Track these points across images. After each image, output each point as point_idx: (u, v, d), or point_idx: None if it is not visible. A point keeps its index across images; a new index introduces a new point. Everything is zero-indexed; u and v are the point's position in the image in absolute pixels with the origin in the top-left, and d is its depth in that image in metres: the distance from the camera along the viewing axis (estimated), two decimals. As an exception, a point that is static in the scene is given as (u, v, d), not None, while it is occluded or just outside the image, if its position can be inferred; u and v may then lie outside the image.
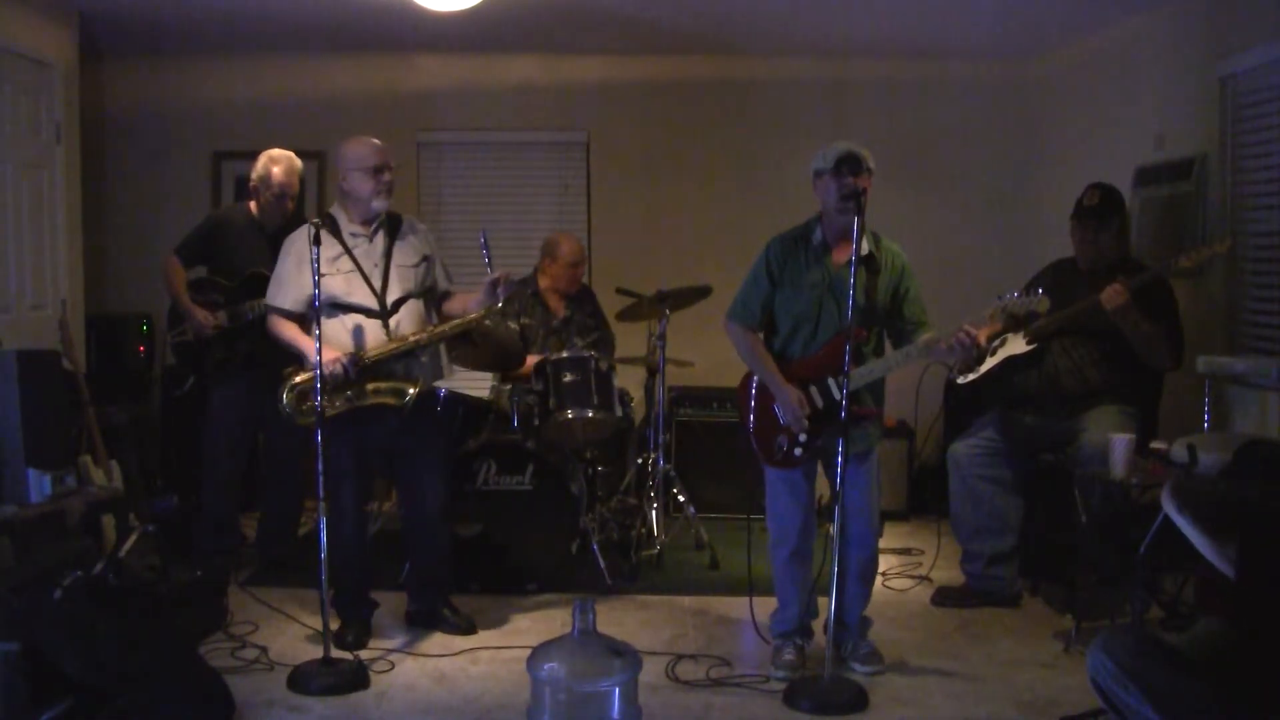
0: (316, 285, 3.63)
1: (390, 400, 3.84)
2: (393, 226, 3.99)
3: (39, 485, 3.93)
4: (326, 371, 3.69)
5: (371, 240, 3.94)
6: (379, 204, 3.91)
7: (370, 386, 3.83)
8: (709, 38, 6.00)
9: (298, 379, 3.84)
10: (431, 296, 4.09)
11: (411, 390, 3.83)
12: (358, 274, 3.89)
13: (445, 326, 3.96)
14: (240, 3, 5.35)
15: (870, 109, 6.38)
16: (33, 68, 5.05)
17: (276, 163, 4.62)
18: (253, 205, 4.71)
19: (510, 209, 6.45)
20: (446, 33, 5.76)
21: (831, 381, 3.61)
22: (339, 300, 3.87)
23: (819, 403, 3.64)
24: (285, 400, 3.83)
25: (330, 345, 3.78)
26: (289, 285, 3.91)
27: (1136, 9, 5.09)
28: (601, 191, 6.49)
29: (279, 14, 5.52)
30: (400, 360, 3.88)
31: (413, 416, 3.88)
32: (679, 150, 6.46)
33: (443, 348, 4.09)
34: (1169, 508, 2.71)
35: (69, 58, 5.35)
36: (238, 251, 4.66)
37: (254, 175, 4.66)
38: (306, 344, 3.80)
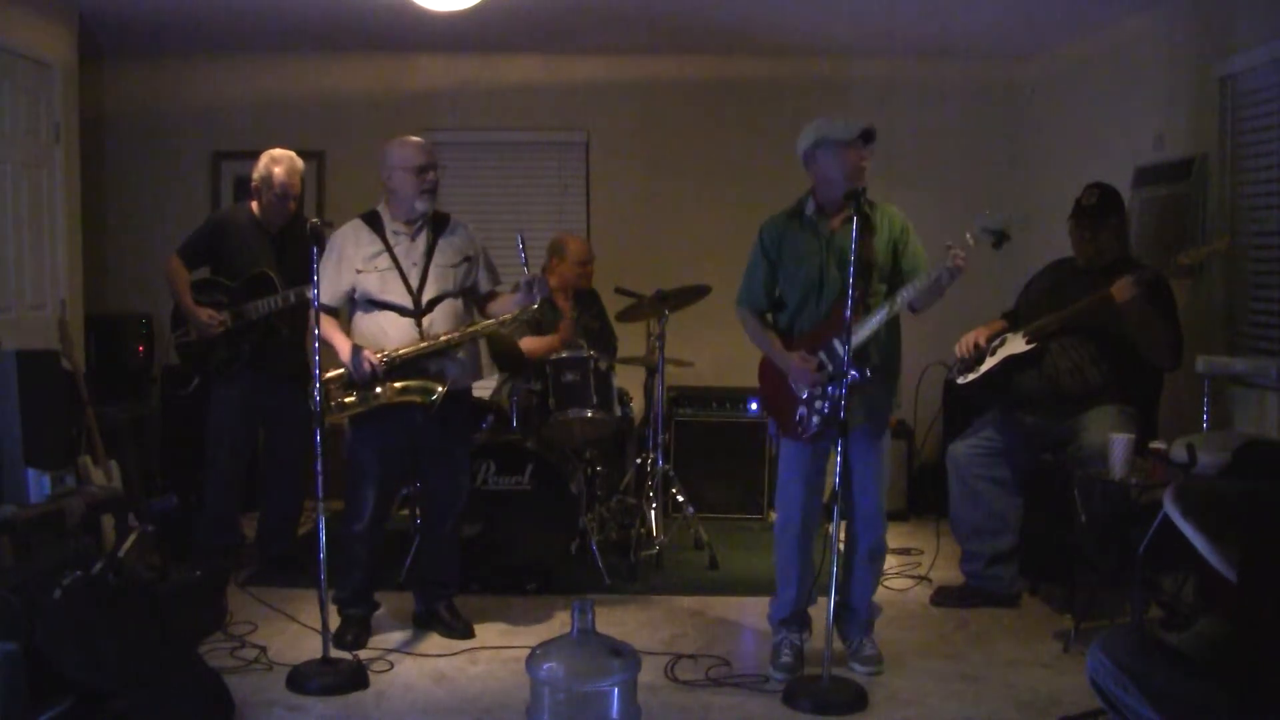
0: (315, 285, 3.63)
1: (417, 399, 3.84)
2: (438, 226, 3.98)
3: (38, 485, 3.94)
4: (352, 371, 3.74)
5: (413, 239, 3.93)
6: (422, 204, 3.90)
7: (398, 385, 3.83)
8: (708, 37, 6.00)
9: (326, 376, 3.82)
10: (473, 296, 4.08)
11: (439, 389, 3.82)
12: (394, 271, 3.89)
13: (478, 325, 3.97)
14: (240, 3, 5.35)
15: (870, 109, 6.37)
16: (33, 68, 5.05)
17: (278, 163, 4.61)
18: (254, 205, 4.71)
19: (510, 209, 6.44)
20: (446, 33, 5.76)
21: (836, 342, 3.59)
22: (373, 298, 3.88)
23: (827, 365, 3.64)
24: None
25: (364, 343, 3.84)
26: (325, 281, 3.91)
27: (1136, 9, 5.09)
28: (601, 191, 6.49)
29: (279, 14, 5.52)
30: (432, 359, 3.88)
31: (441, 414, 3.87)
32: (679, 150, 6.46)
33: (484, 346, 4.08)
34: (1172, 512, 2.71)
35: (69, 58, 5.35)
36: (241, 252, 4.66)
37: (255, 176, 4.66)
38: (339, 342, 3.83)
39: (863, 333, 3.58)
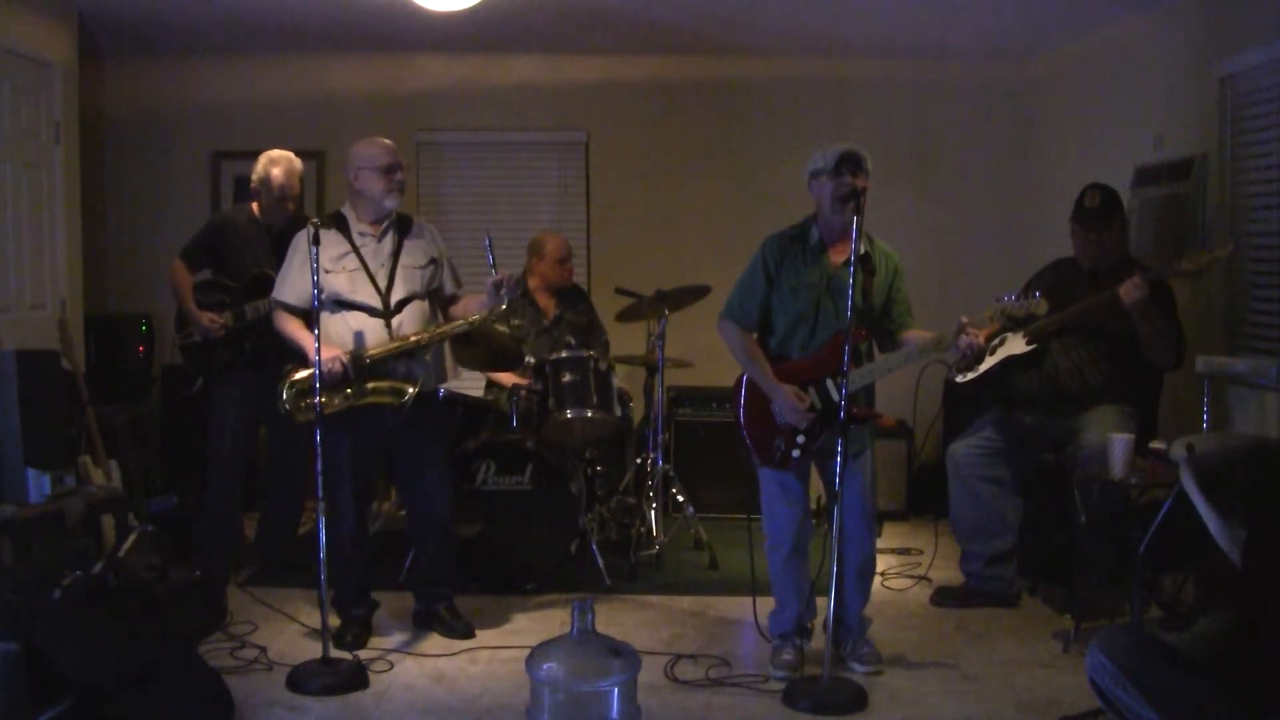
0: (316, 285, 3.63)
1: (389, 400, 3.84)
2: (403, 227, 4.00)
3: (38, 485, 3.93)
4: (325, 370, 3.69)
5: (380, 240, 3.95)
6: (390, 202, 3.92)
7: (370, 385, 3.83)
8: (709, 38, 6.00)
9: (297, 376, 3.85)
10: (438, 298, 4.09)
11: (410, 390, 3.82)
12: (362, 272, 3.90)
13: (447, 327, 3.96)
14: (240, 3, 5.35)
15: (870, 109, 6.38)
16: (32, 68, 5.05)
17: (276, 164, 4.62)
18: (255, 206, 4.71)
19: (510, 209, 6.45)
20: (446, 33, 5.76)
21: (830, 382, 3.61)
22: (342, 298, 3.88)
23: (817, 404, 3.64)
24: (285, 397, 3.84)
25: (331, 343, 3.80)
26: (293, 281, 3.94)
27: (1136, 9, 5.09)
28: (601, 191, 6.49)
29: (279, 14, 5.52)
30: (401, 360, 3.88)
31: (411, 416, 3.88)
32: (679, 150, 6.46)
33: (448, 348, 4.09)
34: (1187, 483, 2.71)
35: (69, 58, 5.35)
36: (242, 252, 4.66)
37: (254, 177, 4.66)
38: (307, 341, 3.81)
39: (861, 382, 3.59)
